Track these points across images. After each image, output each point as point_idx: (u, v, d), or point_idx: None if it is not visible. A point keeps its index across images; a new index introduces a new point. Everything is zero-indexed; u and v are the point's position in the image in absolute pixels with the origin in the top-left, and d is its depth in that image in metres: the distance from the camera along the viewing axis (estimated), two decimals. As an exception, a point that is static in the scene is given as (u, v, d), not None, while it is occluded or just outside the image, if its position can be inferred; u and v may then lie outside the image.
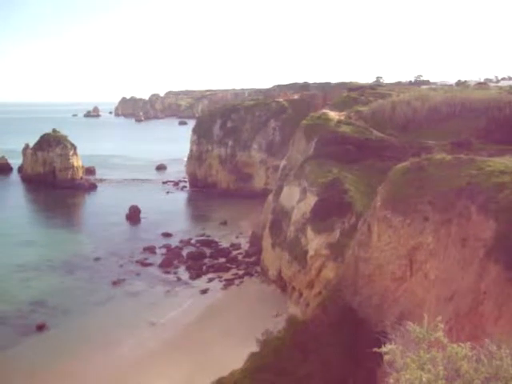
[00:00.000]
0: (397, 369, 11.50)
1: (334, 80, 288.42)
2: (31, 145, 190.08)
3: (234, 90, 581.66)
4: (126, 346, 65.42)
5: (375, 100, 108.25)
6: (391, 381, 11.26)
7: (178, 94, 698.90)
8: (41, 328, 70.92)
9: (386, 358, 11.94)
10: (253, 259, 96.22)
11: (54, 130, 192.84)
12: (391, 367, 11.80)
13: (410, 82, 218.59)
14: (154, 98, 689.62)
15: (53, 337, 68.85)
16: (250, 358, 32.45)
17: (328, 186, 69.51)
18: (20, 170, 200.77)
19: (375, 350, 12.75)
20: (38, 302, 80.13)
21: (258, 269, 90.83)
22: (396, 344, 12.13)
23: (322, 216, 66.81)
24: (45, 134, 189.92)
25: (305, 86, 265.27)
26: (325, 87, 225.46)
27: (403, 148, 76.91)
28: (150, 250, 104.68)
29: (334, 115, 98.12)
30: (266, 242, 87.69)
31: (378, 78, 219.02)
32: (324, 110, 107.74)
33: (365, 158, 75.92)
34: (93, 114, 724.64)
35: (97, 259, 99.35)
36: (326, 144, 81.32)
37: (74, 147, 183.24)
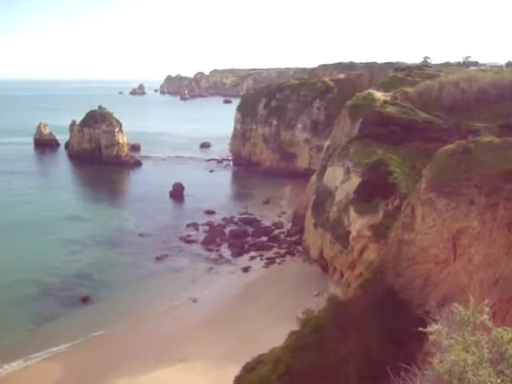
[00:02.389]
0: (441, 349, 11.53)
1: (380, 60, 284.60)
2: (78, 121, 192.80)
3: (279, 68, 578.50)
4: (167, 320, 66.50)
5: (422, 81, 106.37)
6: (435, 361, 11.29)
7: (223, 72, 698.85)
8: (85, 300, 72.72)
9: (431, 338, 11.96)
10: (295, 238, 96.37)
11: (100, 107, 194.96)
12: (436, 347, 11.82)
13: (459, 63, 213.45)
14: (199, 76, 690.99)
15: (96, 309, 70.53)
16: (290, 336, 32.67)
17: (372, 167, 68.96)
18: (67, 146, 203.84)
19: (420, 329, 12.76)
20: (83, 275, 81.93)
21: (300, 248, 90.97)
22: (441, 325, 12.14)
23: (365, 197, 66.44)
24: (91, 111, 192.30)
25: (350, 66, 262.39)
26: (371, 67, 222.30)
27: (450, 130, 75.79)
28: (193, 226, 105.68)
29: (379, 95, 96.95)
30: (309, 221, 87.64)
31: (425, 58, 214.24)
32: (370, 90, 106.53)
33: (410, 139, 74.92)
34: (138, 91, 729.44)
35: (140, 235, 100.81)
36: (371, 125, 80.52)
37: (119, 124, 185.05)
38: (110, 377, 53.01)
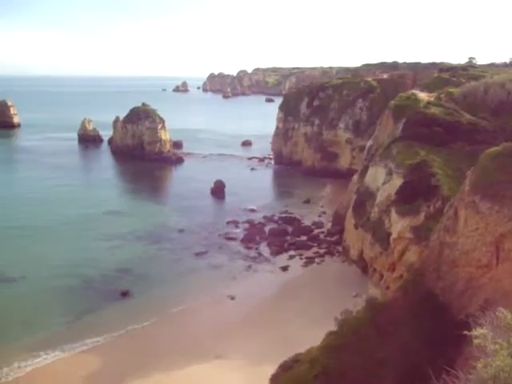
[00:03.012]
0: (486, 354, 11.31)
1: (424, 60, 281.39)
2: (121, 118, 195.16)
3: (321, 68, 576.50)
4: (204, 316, 66.87)
5: (467, 82, 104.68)
6: (479, 365, 11.08)
7: (265, 70, 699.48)
8: (125, 294, 73.54)
9: (476, 342, 11.73)
10: (334, 238, 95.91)
11: (144, 104, 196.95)
12: (480, 352, 11.60)
13: (505, 63, 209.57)
14: (242, 74, 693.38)
15: (135, 303, 71.28)
16: (327, 337, 32.47)
17: (415, 169, 68.17)
18: (110, 141, 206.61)
19: (466, 333, 12.53)
20: (123, 269, 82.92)
21: (340, 248, 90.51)
22: (486, 329, 11.91)
23: (407, 198, 65.76)
24: (134, 108, 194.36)
25: (394, 66, 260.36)
26: (415, 67, 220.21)
27: (495, 132, 74.39)
28: (233, 224, 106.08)
29: (423, 96, 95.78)
30: (349, 222, 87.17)
31: (470, 58, 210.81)
32: (413, 91, 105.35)
33: (454, 141, 73.81)
34: (181, 88, 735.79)
35: (181, 231, 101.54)
36: (415, 125, 79.56)
37: (162, 121, 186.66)
38: (147, 370, 53.53)
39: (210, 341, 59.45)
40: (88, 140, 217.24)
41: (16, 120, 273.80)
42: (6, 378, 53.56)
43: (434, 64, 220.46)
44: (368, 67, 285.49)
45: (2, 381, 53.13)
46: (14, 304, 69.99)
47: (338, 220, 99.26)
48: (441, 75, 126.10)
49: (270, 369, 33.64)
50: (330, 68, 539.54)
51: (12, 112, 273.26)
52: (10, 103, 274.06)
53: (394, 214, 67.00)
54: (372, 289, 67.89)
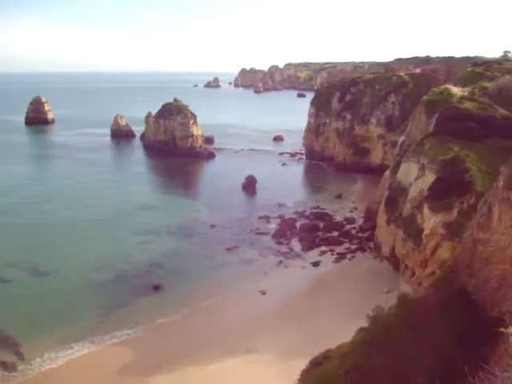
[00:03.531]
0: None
1: (458, 54, 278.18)
2: (153, 113, 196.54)
3: (353, 62, 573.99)
4: (235, 311, 67.14)
5: (501, 75, 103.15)
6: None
7: (297, 65, 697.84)
8: (156, 288, 74.22)
9: (512, 339, 11.62)
10: (366, 234, 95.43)
11: (176, 100, 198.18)
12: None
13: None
14: (274, 69, 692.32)
15: (167, 297, 71.88)
16: (359, 333, 32.32)
17: (448, 164, 67.43)
18: (142, 137, 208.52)
19: (502, 330, 12.43)
20: (155, 263, 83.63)
21: (371, 244, 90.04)
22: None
23: (440, 194, 65.11)
24: (166, 103, 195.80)
25: (427, 60, 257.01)
26: (448, 61, 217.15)
27: (530, 127, 73.26)
28: (265, 219, 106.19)
29: (456, 91, 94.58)
30: (381, 217, 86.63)
31: (505, 52, 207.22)
32: (446, 85, 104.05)
33: (488, 136, 72.82)
34: (213, 84, 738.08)
35: (212, 226, 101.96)
36: (448, 120, 78.68)
37: (194, 116, 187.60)
38: (178, 364, 53.99)
39: (241, 335, 59.69)
40: (120, 135, 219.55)
41: (50, 116, 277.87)
42: (39, 369, 54.50)
43: (467, 58, 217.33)
44: (400, 62, 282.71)
45: (35, 372, 54.08)
46: (47, 297, 71.16)
47: (370, 216, 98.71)
48: (474, 69, 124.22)
49: (301, 364, 33.65)
50: (362, 63, 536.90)
51: (46, 108, 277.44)
52: (44, 99, 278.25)
53: (426, 210, 66.41)
54: (404, 285, 67.40)
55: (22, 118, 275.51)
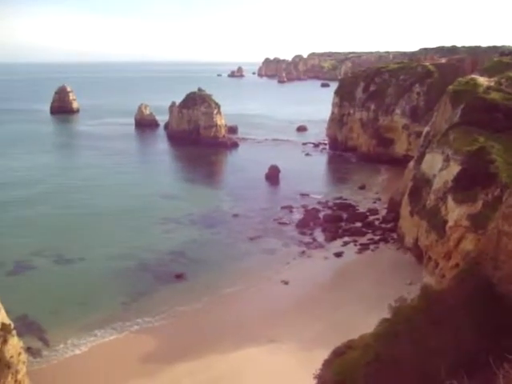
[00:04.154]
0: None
1: (484, 43, 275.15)
2: (177, 103, 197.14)
3: (378, 52, 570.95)
4: (258, 300, 67.41)
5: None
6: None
7: (321, 55, 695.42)
8: (179, 277, 74.91)
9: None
10: (389, 225, 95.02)
11: (200, 89, 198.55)
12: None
13: None
14: (297, 59, 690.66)
15: (190, 286, 72.48)
16: (381, 324, 32.31)
17: (473, 155, 66.81)
18: (166, 126, 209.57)
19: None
20: (178, 252, 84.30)
21: (395, 235, 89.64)
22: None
23: (464, 186, 64.57)
24: (190, 93, 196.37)
25: (453, 50, 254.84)
26: (474, 51, 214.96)
27: (558, 118, 72.25)
28: (288, 209, 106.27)
29: (483, 81, 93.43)
30: (405, 209, 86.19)
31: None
32: (472, 76, 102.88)
33: (514, 127, 71.96)
34: (237, 74, 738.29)
35: (235, 215, 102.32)
36: (473, 111, 77.86)
37: (217, 106, 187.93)
38: (201, 352, 54.40)
39: (264, 324, 59.95)
40: (145, 125, 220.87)
41: (75, 105, 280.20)
42: (63, 356, 55.29)
43: (494, 48, 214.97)
44: (425, 51, 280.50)
45: (59, 358, 54.87)
46: (72, 284, 72.26)
47: (394, 207, 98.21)
48: (501, 59, 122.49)
49: (323, 354, 33.73)
50: (387, 52, 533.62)
51: (71, 97, 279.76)
52: (69, 89, 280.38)
53: (450, 202, 65.96)
54: (427, 277, 67.09)
55: (47, 108, 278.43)
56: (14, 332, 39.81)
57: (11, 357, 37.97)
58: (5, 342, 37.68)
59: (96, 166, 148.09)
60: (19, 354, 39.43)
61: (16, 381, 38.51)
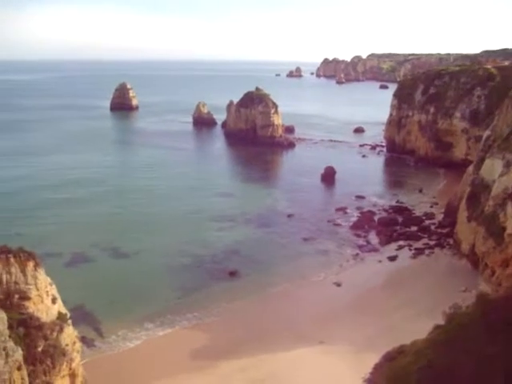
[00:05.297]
0: None
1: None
2: (235, 102, 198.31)
3: (438, 54, 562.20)
4: (310, 301, 67.41)
5: None
6: None
7: (380, 56, 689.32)
8: (233, 274, 75.69)
9: None
10: (446, 231, 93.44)
11: (257, 89, 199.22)
12: None
13: None
14: (356, 59, 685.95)
15: (242, 284, 73.14)
16: (434, 330, 31.93)
17: (535, 162, 65.29)
18: (223, 125, 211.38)
19: None
20: (232, 250, 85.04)
21: (451, 241, 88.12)
22: None
23: (525, 192, 63.17)
24: (248, 92, 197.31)
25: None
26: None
27: None
28: (343, 211, 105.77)
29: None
30: (462, 214, 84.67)
31: None
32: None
33: None
34: (295, 74, 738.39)
35: (290, 216, 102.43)
36: (537, 116, 76.03)
37: (275, 106, 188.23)
38: (251, 350, 54.74)
39: (315, 325, 59.90)
40: (202, 123, 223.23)
41: (134, 102, 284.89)
42: (116, 348, 56.49)
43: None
44: (488, 54, 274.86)
45: (113, 350, 56.02)
46: (127, 278, 73.98)
47: (451, 212, 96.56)
48: None
49: (373, 358, 33.58)
50: (448, 54, 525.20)
51: (131, 95, 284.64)
52: (129, 86, 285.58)
53: (510, 209, 64.57)
54: (483, 284, 65.85)
55: (107, 104, 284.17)
56: (70, 321, 40.88)
57: (66, 345, 38.95)
58: (61, 330, 38.69)
59: (154, 164, 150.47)
60: (74, 342, 40.42)
61: (70, 369, 39.49)
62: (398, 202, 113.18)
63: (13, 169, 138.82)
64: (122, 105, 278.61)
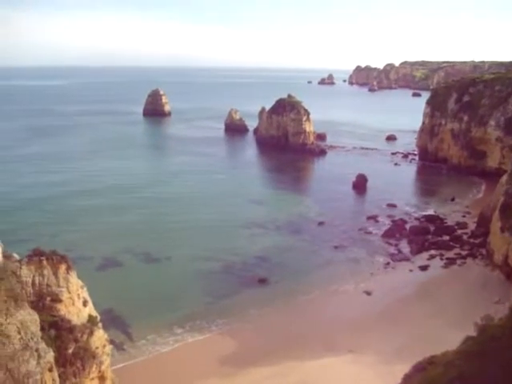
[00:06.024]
0: None
1: None
2: (267, 108, 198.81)
3: (473, 62, 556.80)
4: (339, 309, 67.14)
5: None
6: None
7: (413, 64, 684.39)
8: (262, 281, 75.73)
9: None
10: (478, 241, 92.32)
11: (289, 96, 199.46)
12: None
13: None
14: (389, 67, 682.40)
15: (272, 291, 73.01)
16: (466, 341, 31.62)
17: None
18: (255, 131, 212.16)
19: None
20: (262, 257, 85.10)
21: (483, 251, 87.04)
22: None
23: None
24: (280, 99, 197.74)
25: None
26: None
27: None
28: (374, 219, 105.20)
29: None
30: (495, 224, 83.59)
31: None
32: None
33: None
34: (327, 81, 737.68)
35: (321, 223, 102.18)
36: None
37: (307, 113, 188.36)
38: (279, 358, 54.65)
39: (344, 334, 59.61)
40: (234, 129, 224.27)
41: (167, 108, 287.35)
42: (146, 353, 56.85)
43: None
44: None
45: (143, 356, 56.39)
46: (157, 282, 74.63)
47: (484, 222, 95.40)
48: None
49: (403, 368, 33.36)
50: (482, 62, 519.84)
51: (163, 101, 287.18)
52: (161, 92, 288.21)
53: (544, 219, 63.64)
54: (516, 296, 64.89)
55: (140, 110, 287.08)
56: (100, 324, 41.30)
57: (96, 348, 39.35)
58: (91, 333, 39.12)
59: (187, 171, 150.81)
60: (104, 345, 40.80)
61: (100, 371, 39.88)
62: (430, 210, 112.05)
63: (50, 174, 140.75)
64: (154, 111, 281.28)
